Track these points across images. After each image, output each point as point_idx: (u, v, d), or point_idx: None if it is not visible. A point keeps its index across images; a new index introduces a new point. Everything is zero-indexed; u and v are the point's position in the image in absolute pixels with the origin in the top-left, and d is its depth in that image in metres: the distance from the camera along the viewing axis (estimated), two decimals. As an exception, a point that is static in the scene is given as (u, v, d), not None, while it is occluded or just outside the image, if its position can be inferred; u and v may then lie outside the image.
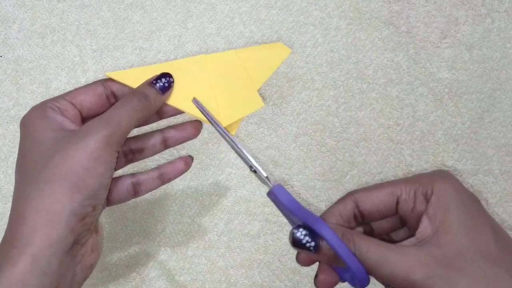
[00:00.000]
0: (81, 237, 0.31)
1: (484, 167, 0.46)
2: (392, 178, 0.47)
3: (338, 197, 0.48)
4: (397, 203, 0.31)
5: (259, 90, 0.38)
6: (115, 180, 0.36)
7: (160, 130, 0.38)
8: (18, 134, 0.46)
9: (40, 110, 0.33)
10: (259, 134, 0.46)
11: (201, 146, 0.47)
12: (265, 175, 0.35)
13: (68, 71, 0.46)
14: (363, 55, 0.45)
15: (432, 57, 0.45)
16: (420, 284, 0.27)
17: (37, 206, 0.29)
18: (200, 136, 0.39)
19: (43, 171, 0.30)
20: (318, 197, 0.47)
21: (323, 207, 0.47)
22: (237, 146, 0.36)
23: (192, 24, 0.45)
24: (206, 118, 0.37)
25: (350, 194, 0.33)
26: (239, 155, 0.35)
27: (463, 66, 0.46)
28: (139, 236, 0.47)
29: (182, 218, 0.47)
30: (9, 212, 0.46)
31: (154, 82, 0.35)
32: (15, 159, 0.47)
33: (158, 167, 0.38)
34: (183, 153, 0.47)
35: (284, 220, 0.47)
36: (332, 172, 0.47)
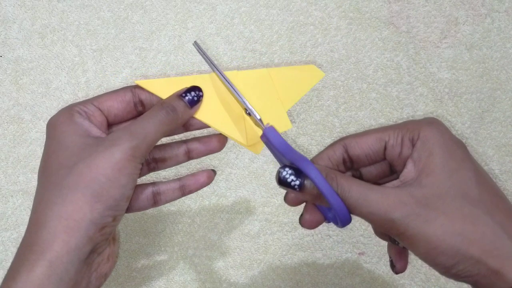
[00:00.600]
0: (99, 246, 0.31)
1: (484, 167, 0.46)
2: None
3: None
4: (385, 148, 0.32)
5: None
6: (136, 188, 0.35)
7: (184, 141, 0.37)
8: (18, 134, 0.46)
9: (68, 113, 0.32)
10: (259, 134, 0.46)
11: (201, 146, 0.47)
12: (258, 117, 0.35)
13: (68, 71, 0.46)
14: (363, 55, 0.45)
15: (432, 57, 0.45)
16: (398, 222, 0.28)
17: (59, 212, 0.29)
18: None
19: (67, 177, 0.30)
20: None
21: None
22: (234, 90, 0.36)
23: (192, 24, 0.45)
24: (206, 61, 0.36)
25: (340, 139, 0.33)
26: (237, 98, 0.36)
27: (463, 66, 0.46)
28: (139, 236, 0.47)
29: (182, 218, 0.47)
30: (9, 212, 0.46)
31: (183, 95, 0.35)
32: (15, 159, 0.47)
33: (179, 178, 0.37)
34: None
35: (284, 220, 0.47)
36: (332, 172, 0.47)
